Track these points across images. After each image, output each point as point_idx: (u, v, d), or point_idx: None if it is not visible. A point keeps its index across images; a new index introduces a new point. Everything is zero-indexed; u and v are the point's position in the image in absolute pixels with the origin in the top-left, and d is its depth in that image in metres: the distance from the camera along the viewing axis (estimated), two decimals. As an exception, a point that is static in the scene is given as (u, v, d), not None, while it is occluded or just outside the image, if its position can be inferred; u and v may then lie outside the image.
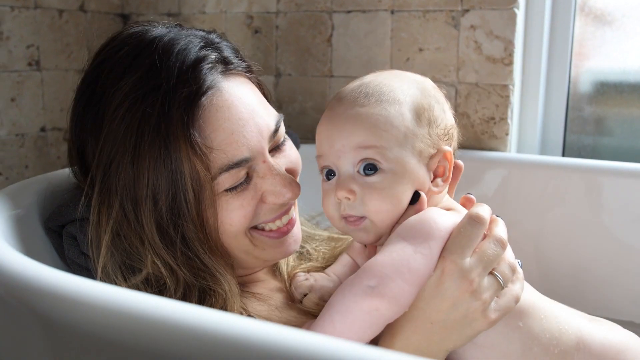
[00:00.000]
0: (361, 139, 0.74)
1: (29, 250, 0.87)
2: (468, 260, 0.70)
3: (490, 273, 0.71)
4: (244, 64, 0.88)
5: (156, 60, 0.79)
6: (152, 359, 0.55)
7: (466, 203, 0.82)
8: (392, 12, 1.34)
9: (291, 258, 1.02)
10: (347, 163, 0.75)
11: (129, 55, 0.81)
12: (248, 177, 0.83)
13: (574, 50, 1.37)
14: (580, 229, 1.19)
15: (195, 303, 0.79)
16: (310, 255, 1.04)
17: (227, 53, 0.86)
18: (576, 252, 1.20)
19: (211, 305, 0.80)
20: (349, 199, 0.75)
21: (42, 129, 1.49)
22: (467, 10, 1.27)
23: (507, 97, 1.26)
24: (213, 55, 0.83)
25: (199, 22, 1.55)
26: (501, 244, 0.72)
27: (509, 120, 1.27)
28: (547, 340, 0.74)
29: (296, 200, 0.95)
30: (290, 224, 0.88)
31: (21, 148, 1.45)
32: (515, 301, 0.72)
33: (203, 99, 0.79)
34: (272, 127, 0.85)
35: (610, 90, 1.38)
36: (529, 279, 0.78)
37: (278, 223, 0.87)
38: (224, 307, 0.81)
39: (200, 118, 0.78)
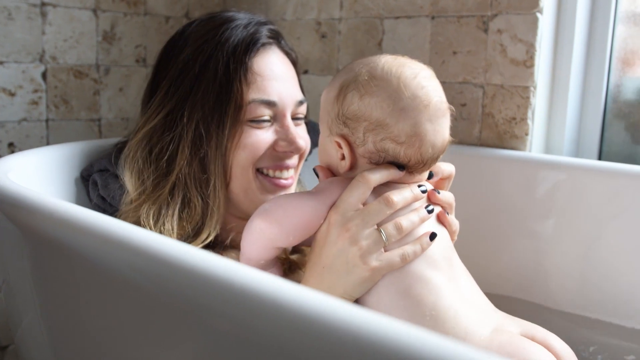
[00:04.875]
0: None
1: (71, 191, 1.13)
2: (350, 213, 0.79)
3: (377, 229, 0.79)
4: (294, 53, 1.14)
5: (232, 16, 1.08)
6: (96, 264, 0.74)
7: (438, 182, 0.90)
8: (433, 17, 1.44)
9: None
10: None
11: (213, 19, 1.09)
12: (271, 120, 1.04)
13: (620, 56, 1.37)
14: (594, 231, 1.20)
15: (176, 205, 1.00)
16: None
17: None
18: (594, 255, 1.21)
19: (188, 218, 1.00)
20: None
21: (143, 115, 1.77)
22: (495, 15, 1.34)
23: (528, 98, 1.31)
24: (275, 30, 1.11)
25: (280, 27, 1.75)
26: (386, 203, 0.79)
27: (529, 121, 1.32)
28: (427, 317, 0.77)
29: (299, 177, 1.12)
30: (289, 180, 1.07)
31: (125, 130, 1.74)
32: (401, 259, 0.78)
33: (259, 46, 1.05)
34: (300, 97, 1.09)
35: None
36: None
37: (277, 174, 1.06)
38: (200, 224, 1.00)
39: (255, 57, 1.04)
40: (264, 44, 1.06)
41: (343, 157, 0.84)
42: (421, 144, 0.80)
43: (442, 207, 0.86)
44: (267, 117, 1.03)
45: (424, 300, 0.77)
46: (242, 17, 1.08)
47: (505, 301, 1.25)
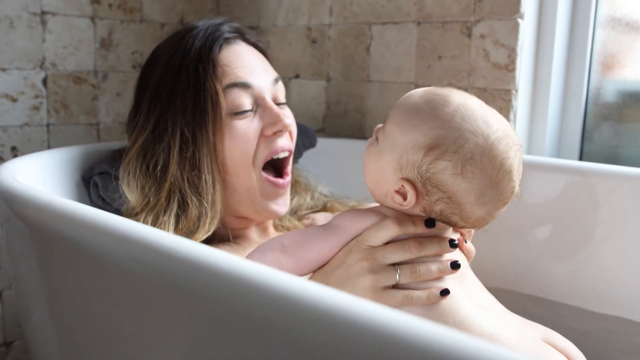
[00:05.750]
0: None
1: (72, 193, 1.18)
2: (375, 246, 0.82)
3: (394, 267, 0.80)
4: (259, 43, 1.20)
5: (193, 25, 1.15)
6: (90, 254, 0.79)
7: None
8: (419, 23, 1.50)
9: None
10: None
11: (177, 34, 1.17)
12: (253, 109, 1.09)
13: (600, 59, 1.42)
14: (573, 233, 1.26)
15: (172, 211, 1.04)
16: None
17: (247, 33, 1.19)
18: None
19: (184, 221, 1.04)
20: None
21: (141, 120, 1.82)
22: (478, 21, 1.40)
23: (510, 101, 1.36)
24: (235, 26, 1.16)
25: (271, 33, 1.81)
26: (410, 248, 0.81)
27: (511, 123, 1.37)
28: None
29: (290, 165, 1.17)
30: (285, 175, 1.13)
31: (122, 133, 1.80)
32: (403, 300, 0.80)
33: (222, 42, 1.11)
34: (274, 75, 1.15)
35: (635, 101, 1.41)
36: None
37: (274, 157, 1.11)
38: (197, 225, 1.04)
39: (220, 54, 1.10)
40: (227, 39, 1.12)
41: (399, 193, 0.83)
42: (484, 224, 0.83)
43: (461, 233, 0.89)
44: (248, 107, 1.08)
45: (448, 310, 0.80)
46: (202, 24, 1.15)
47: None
